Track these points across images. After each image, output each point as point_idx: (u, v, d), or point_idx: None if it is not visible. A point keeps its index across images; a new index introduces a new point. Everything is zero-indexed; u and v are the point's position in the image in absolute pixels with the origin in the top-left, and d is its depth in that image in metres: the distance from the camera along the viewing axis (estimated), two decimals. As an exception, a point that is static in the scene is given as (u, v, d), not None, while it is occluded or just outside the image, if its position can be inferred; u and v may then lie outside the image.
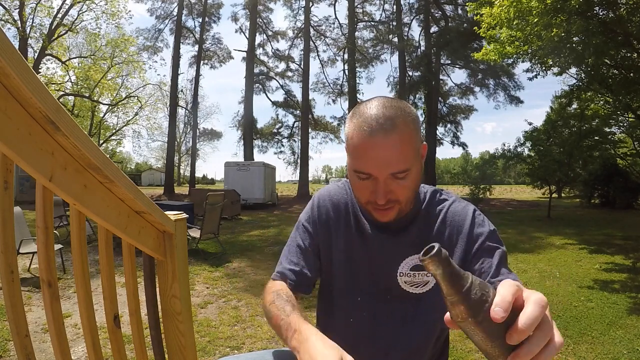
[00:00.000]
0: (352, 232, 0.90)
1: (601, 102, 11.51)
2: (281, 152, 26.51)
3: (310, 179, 22.76)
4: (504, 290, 0.43)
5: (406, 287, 0.84)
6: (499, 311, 0.41)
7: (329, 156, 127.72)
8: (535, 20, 6.03)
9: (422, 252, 0.44)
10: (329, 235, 0.92)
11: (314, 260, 0.90)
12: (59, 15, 16.87)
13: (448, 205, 0.88)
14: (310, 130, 24.27)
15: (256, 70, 24.86)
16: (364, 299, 0.87)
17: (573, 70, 9.16)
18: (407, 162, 0.73)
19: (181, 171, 51.13)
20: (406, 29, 23.74)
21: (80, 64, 19.60)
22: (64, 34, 17.61)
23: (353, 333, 0.88)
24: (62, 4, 16.85)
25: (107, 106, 22.80)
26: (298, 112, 25.16)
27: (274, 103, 26.47)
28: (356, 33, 23.81)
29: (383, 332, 0.85)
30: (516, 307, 0.43)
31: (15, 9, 15.58)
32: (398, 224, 0.86)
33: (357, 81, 23.44)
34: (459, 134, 24.41)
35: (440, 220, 0.86)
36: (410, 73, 23.49)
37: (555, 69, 8.32)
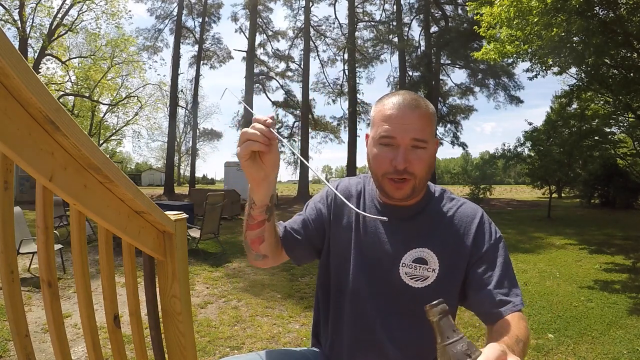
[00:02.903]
0: (362, 218, 0.92)
1: (601, 102, 11.49)
2: (281, 152, 26.43)
3: (310, 179, 22.73)
4: (490, 352, 0.43)
5: (406, 279, 0.85)
6: None
7: (329, 156, 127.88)
8: (536, 19, 6.03)
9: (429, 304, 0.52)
10: (343, 218, 0.95)
11: (311, 232, 0.95)
12: (59, 15, 16.86)
13: (458, 206, 0.91)
14: (310, 130, 24.25)
15: (256, 70, 24.86)
16: (367, 288, 0.88)
17: (573, 70, 9.15)
18: (426, 134, 0.81)
19: (181, 171, 51.12)
20: (406, 29, 23.74)
21: (80, 64, 19.59)
22: (64, 34, 17.60)
23: (356, 321, 0.89)
24: (62, 4, 16.85)
25: (107, 106, 22.80)
26: (298, 112, 25.14)
27: (274, 103, 26.47)
28: (356, 33, 23.79)
29: (381, 324, 0.86)
30: None
31: (15, 9, 15.57)
32: (407, 212, 0.88)
33: (357, 81, 23.44)
34: (459, 134, 24.36)
35: (448, 218, 0.88)
36: (410, 73, 23.48)
37: (555, 69, 8.33)
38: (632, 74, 7.62)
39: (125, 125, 25.59)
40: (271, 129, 0.69)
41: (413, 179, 0.81)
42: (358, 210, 0.70)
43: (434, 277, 0.84)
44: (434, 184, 0.97)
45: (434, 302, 0.50)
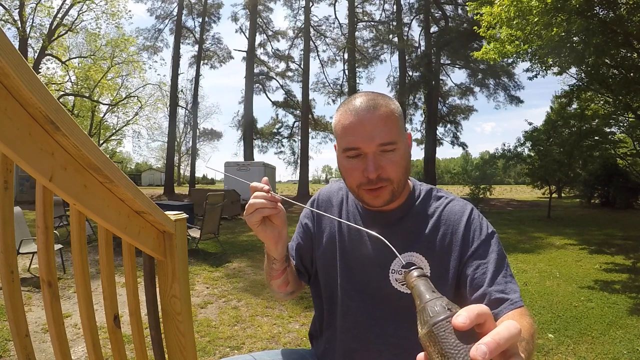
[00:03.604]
0: (346, 227, 0.91)
1: (601, 102, 11.50)
2: (281, 152, 26.52)
3: (310, 179, 22.77)
4: (472, 306, 0.39)
5: (397, 285, 0.83)
6: (462, 317, 0.37)
7: (329, 156, 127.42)
8: (536, 19, 6.03)
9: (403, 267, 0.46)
10: (325, 230, 0.94)
11: (304, 254, 0.98)
12: (59, 15, 16.86)
13: (445, 204, 0.86)
14: (310, 130, 24.27)
15: (256, 70, 24.86)
16: (357, 297, 0.87)
17: (573, 70, 9.16)
18: (392, 135, 0.76)
19: (181, 171, 51.11)
20: (406, 29, 23.76)
21: (80, 64, 19.59)
22: (64, 34, 17.60)
23: (347, 331, 0.88)
24: (62, 4, 16.85)
25: (107, 106, 22.79)
26: (298, 112, 25.16)
27: (274, 103, 26.48)
28: (356, 33, 23.82)
29: (375, 332, 0.85)
30: (482, 332, 0.38)
31: (15, 9, 15.58)
32: (391, 217, 0.85)
33: (357, 81, 23.47)
34: (458, 134, 24.41)
35: (435, 218, 0.84)
36: (410, 73, 23.49)
37: (555, 69, 8.33)
38: (632, 74, 7.62)
39: (125, 125, 25.57)
40: (271, 193, 0.74)
41: (389, 184, 0.78)
42: (352, 225, 0.71)
43: None
44: (423, 183, 0.93)
45: (411, 268, 0.47)
